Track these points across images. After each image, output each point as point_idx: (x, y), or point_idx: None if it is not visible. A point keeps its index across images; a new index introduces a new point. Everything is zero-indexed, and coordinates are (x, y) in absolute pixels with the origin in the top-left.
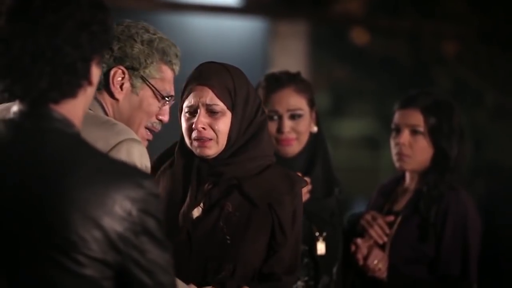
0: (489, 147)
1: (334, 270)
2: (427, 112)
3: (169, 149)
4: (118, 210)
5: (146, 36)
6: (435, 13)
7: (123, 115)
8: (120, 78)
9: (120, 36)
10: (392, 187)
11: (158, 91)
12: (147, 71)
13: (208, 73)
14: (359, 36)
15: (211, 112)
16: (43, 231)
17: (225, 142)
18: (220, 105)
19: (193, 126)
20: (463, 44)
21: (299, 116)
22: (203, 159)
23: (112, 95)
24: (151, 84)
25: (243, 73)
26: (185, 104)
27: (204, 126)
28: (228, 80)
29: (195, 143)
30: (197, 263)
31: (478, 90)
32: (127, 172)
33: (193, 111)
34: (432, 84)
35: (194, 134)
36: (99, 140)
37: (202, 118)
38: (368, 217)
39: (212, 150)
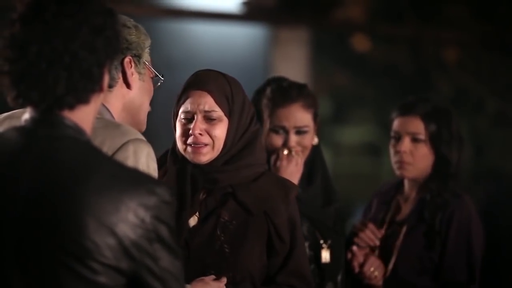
0: (490, 153)
1: (339, 278)
2: (427, 120)
3: (161, 157)
4: (132, 217)
5: (132, 22)
6: (436, 19)
7: (135, 104)
8: (131, 67)
9: None
10: (391, 195)
11: (156, 74)
12: (145, 55)
13: (207, 79)
14: (360, 43)
15: (209, 118)
16: (57, 238)
17: (220, 148)
18: (217, 112)
19: (190, 131)
20: (464, 50)
21: (305, 132)
22: (197, 166)
23: (128, 86)
24: (152, 68)
25: (239, 82)
26: (182, 109)
27: (201, 132)
28: (226, 86)
29: (190, 149)
30: (195, 271)
31: (479, 97)
32: (140, 179)
33: (190, 117)
34: (433, 91)
35: (190, 140)
36: (106, 140)
37: (199, 124)
38: (358, 224)
39: (207, 156)
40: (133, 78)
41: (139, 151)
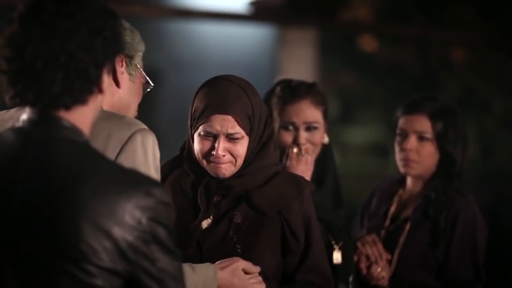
0: (498, 154)
1: (350, 279)
2: (434, 118)
3: (175, 158)
4: (128, 219)
5: (128, 25)
6: (444, 20)
7: (124, 103)
8: (122, 66)
9: None
10: (393, 191)
11: (147, 79)
12: (137, 58)
13: (229, 101)
14: (368, 43)
15: (231, 138)
16: (53, 241)
17: (241, 163)
18: (240, 133)
19: (213, 152)
20: (472, 51)
21: (315, 128)
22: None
23: (117, 84)
24: (143, 72)
25: (253, 86)
26: (203, 128)
27: (224, 153)
28: (247, 106)
29: (212, 165)
30: None
31: (486, 97)
32: (136, 181)
33: (212, 136)
34: (440, 91)
35: (212, 158)
36: (113, 132)
37: (222, 145)
38: (369, 239)
39: (229, 171)
40: (123, 77)
41: (146, 141)
